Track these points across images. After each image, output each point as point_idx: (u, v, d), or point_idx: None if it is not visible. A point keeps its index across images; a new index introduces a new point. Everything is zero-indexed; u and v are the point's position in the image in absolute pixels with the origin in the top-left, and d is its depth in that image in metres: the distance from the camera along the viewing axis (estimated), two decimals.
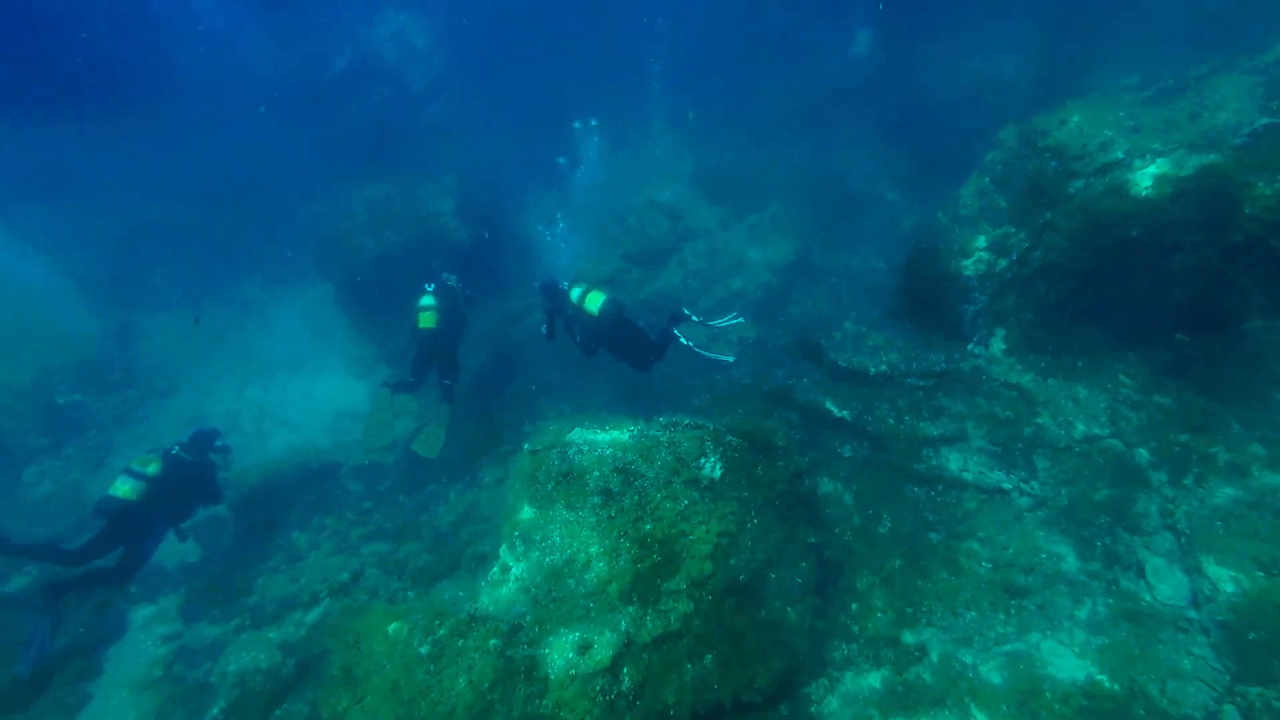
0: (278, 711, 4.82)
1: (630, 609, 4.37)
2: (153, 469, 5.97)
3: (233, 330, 10.22)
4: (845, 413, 6.74)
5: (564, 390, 8.83)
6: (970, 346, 6.47)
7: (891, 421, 6.48)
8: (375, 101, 16.68)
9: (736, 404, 7.74)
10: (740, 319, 7.14)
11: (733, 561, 4.79)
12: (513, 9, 18.82)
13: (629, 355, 7.10)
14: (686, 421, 5.44)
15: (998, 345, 6.30)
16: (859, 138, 11.06)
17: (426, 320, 7.54)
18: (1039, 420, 5.79)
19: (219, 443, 6.80)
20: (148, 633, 5.85)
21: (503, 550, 5.00)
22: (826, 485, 6.68)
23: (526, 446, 5.78)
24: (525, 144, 14.70)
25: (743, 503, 5.10)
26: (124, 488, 5.80)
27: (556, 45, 17.67)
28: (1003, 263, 6.11)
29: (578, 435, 5.48)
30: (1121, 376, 5.51)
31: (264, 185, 13.59)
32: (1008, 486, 5.66)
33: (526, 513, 5.05)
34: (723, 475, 5.15)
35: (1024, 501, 5.53)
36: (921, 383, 6.45)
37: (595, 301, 6.83)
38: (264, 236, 12.36)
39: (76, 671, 5.35)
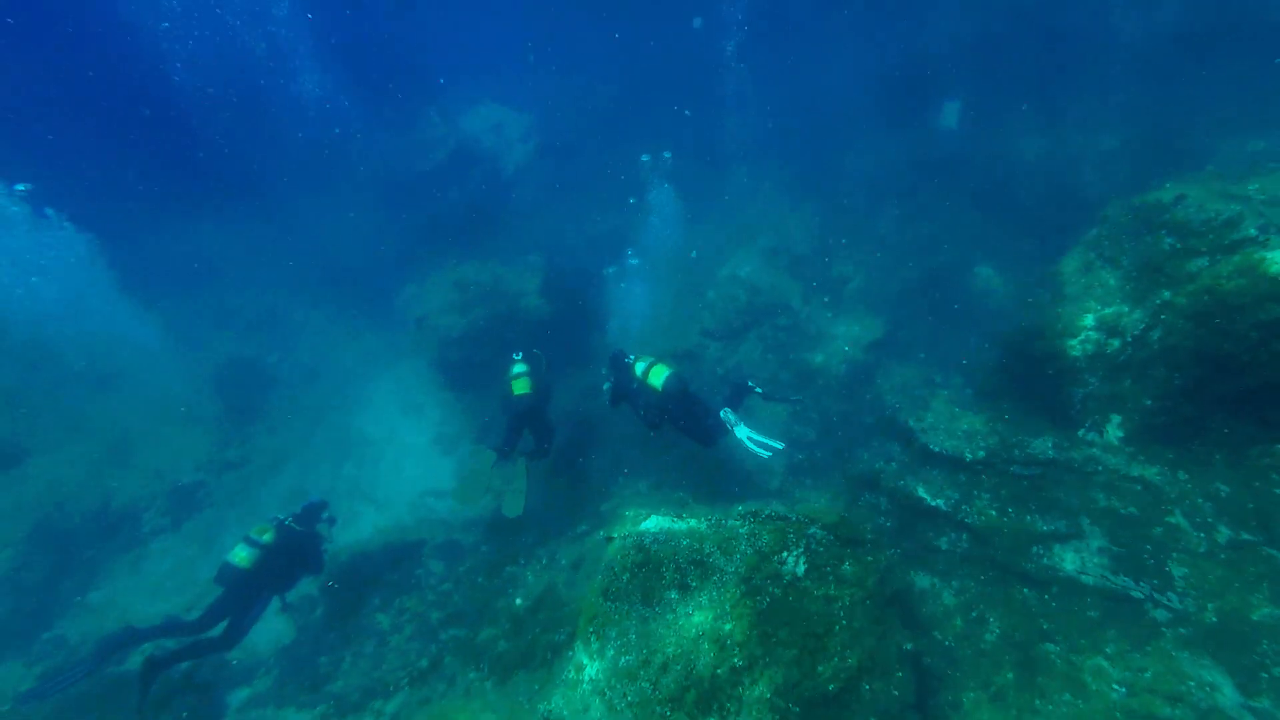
0: None
1: (711, 719, 4.11)
2: (267, 538, 6.31)
3: (333, 408, 10.91)
4: (940, 501, 6.27)
5: (641, 466, 8.76)
6: (1081, 433, 5.92)
7: (994, 513, 5.96)
8: (471, 186, 18.16)
9: (819, 488, 7.41)
10: (801, 399, 6.87)
11: (820, 669, 4.44)
12: (593, 97, 20.27)
13: (693, 431, 6.97)
14: (767, 511, 5.22)
15: (1114, 433, 5.73)
16: (947, 210, 10.78)
17: (520, 387, 7.76)
18: (1171, 520, 5.15)
19: (326, 514, 7.12)
20: (242, 717, 6.04)
21: (578, 646, 4.88)
22: (923, 581, 6.18)
23: (602, 534, 5.73)
24: (604, 222, 15.38)
25: (829, 602, 4.77)
26: (241, 555, 6.14)
27: (635, 117, 18.75)
28: (1115, 343, 5.63)
29: (654, 524, 5.38)
30: (1273, 474, 4.84)
31: (367, 269, 14.86)
32: (1138, 595, 5.00)
33: (602, 606, 4.93)
34: (807, 571, 4.86)
35: (1160, 615, 4.85)
36: (1026, 471, 5.92)
37: (659, 376, 6.82)
38: (365, 318, 13.34)
39: None
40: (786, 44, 19.11)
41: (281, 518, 6.65)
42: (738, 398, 6.88)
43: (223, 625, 6.11)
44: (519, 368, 7.96)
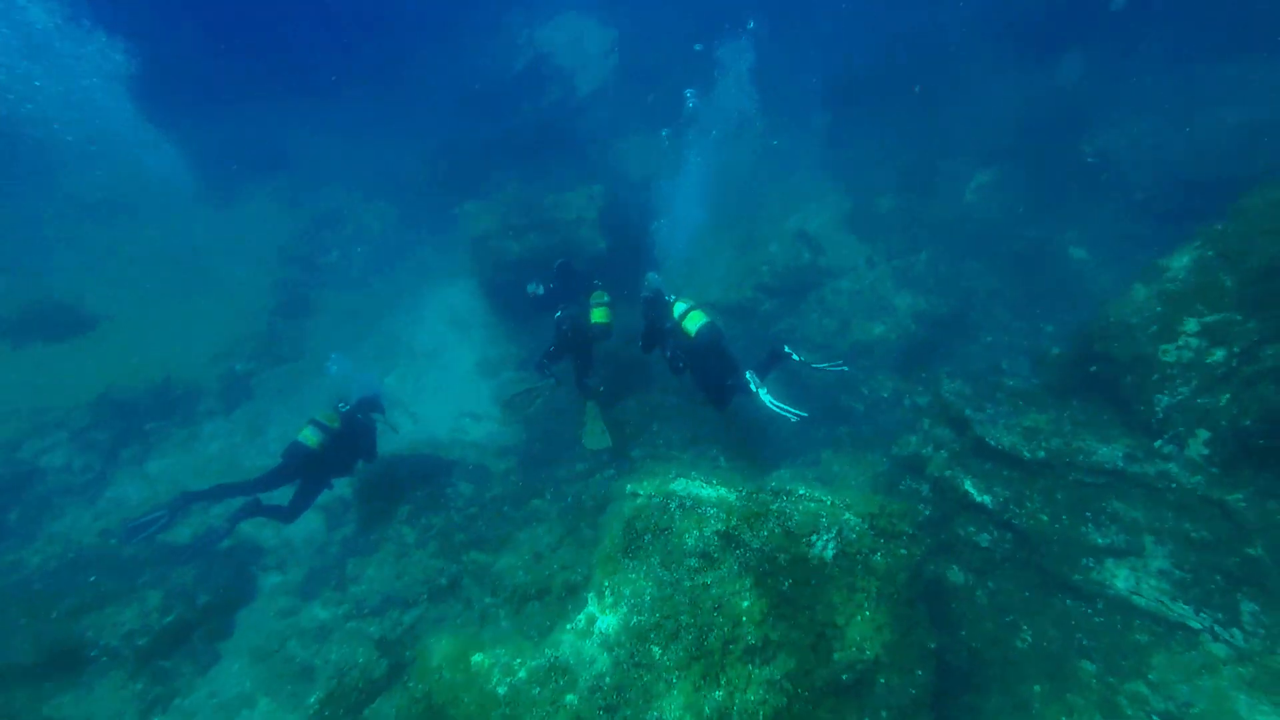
0: (366, 712, 5.03)
1: (716, 693, 4.04)
2: (335, 423, 6.80)
3: (386, 315, 11.04)
4: (987, 498, 5.91)
5: (677, 416, 8.59)
6: (1158, 444, 5.40)
7: (1045, 518, 5.58)
8: (544, 103, 17.46)
9: (859, 464, 7.10)
10: (846, 368, 6.48)
11: (836, 658, 4.31)
12: (682, 23, 18.91)
13: (709, 387, 6.70)
14: (801, 491, 4.98)
15: (1197, 449, 5.19)
16: (1047, 181, 9.71)
17: (600, 315, 7.69)
18: (1250, 552, 4.69)
19: (381, 405, 7.59)
20: (271, 602, 6.40)
21: (591, 598, 4.86)
22: (956, 575, 5.92)
23: (629, 488, 5.61)
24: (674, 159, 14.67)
25: (854, 591, 4.58)
26: (312, 437, 6.60)
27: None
28: (1219, 353, 5.02)
29: (681, 486, 5.22)
30: None
31: (432, 179, 14.68)
32: (1197, 626, 4.64)
33: (621, 561, 4.86)
34: (834, 558, 4.65)
35: (1219, 650, 4.49)
36: (1090, 479, 5.48)
37: (695, 322, 6.58)
38: (425, 228, 13.28)
39: (211, 630, 5.99)
40: None
41: (343, 407, 7.10)
42: (770, 364, 6.54)
43: (286, 495, 6.62)
44: (606, 296, 7.86)
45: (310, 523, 7.41)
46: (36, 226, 12.16)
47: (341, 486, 7.48)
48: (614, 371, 9.24)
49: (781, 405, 6.25)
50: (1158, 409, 5.43)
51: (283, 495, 6.64)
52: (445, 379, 10.10)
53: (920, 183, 10.95)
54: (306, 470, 6.65)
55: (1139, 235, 7.92)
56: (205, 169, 13.43)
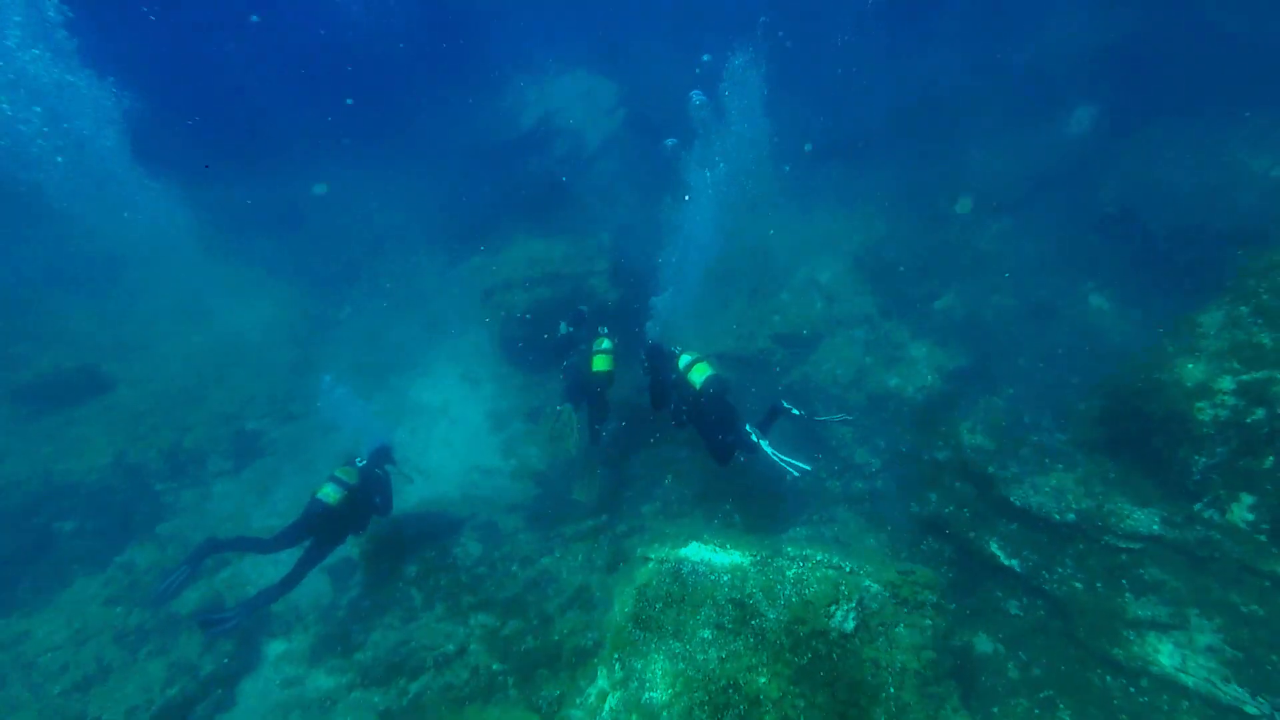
0: None
1: None
2: (354, 479, 6.65)
3: (396, 370, 11.06)
4: (1015, 561, 5.64)
5: (689, 470, 8.41)
6: (1198, 508, 5.13)
7: (1079, 585, 5.29)
8: (552, 157, 17.91)
9: (878, 524, 6.84)
10: (851, 418, 6.28)
11: None
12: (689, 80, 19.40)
13: (714, 440, 6.51)
14: (819, 557, 4.77)
15: (1241, 514, 4.92)
16: (1064, 228, 9.61)
17: (601, 364, 7.60)
18: None
19: (395, 456, 7.51)
20: (276, 671, 6.21)
21: (601, 671, 4.64)
22: (984, 644, 5.59)
23: (640, 552, 5.43)
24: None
25: (878, 667, 4.31)
26: (331, 494, 6.47)
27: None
28: (1259, 413, 4.80)
29: (693, 551, 5.04)
30: None
31: (443, 234, 14.97)
32: (1253, 711, 4.29)
33: (631, 634, 4.65)
34: (856, 629, 4.41)
35: None
36: (1124, 544, 5.20)
37: (701, 374, 6.45)
38: (435, 283, 13.44)
39: (216, 701, 5.81)
40: (903, 26, 17.70)
41: (360, 462, 6.99)
42: (771, 420, 6.39)
43: (290, 563, 6.43)
44: (606, 343, 7.80)
45: (317, 584, 7.26)
46: (46, 284, 12.47)
47: (348, 546, 7.35)
48: (628, 423, 9.12)
49: (783, 457, 6.06)
50: (1194, 470, 5.18)
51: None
52: (455, 433, 10.03)
53: (932, 233, 10.92)
54: (324, 528, 6.53)
55: (1162, 286, 7.75)
56: (213, 224, 13.79)
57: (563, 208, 15.42)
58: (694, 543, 5.16)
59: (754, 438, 6.15)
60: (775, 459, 5.96)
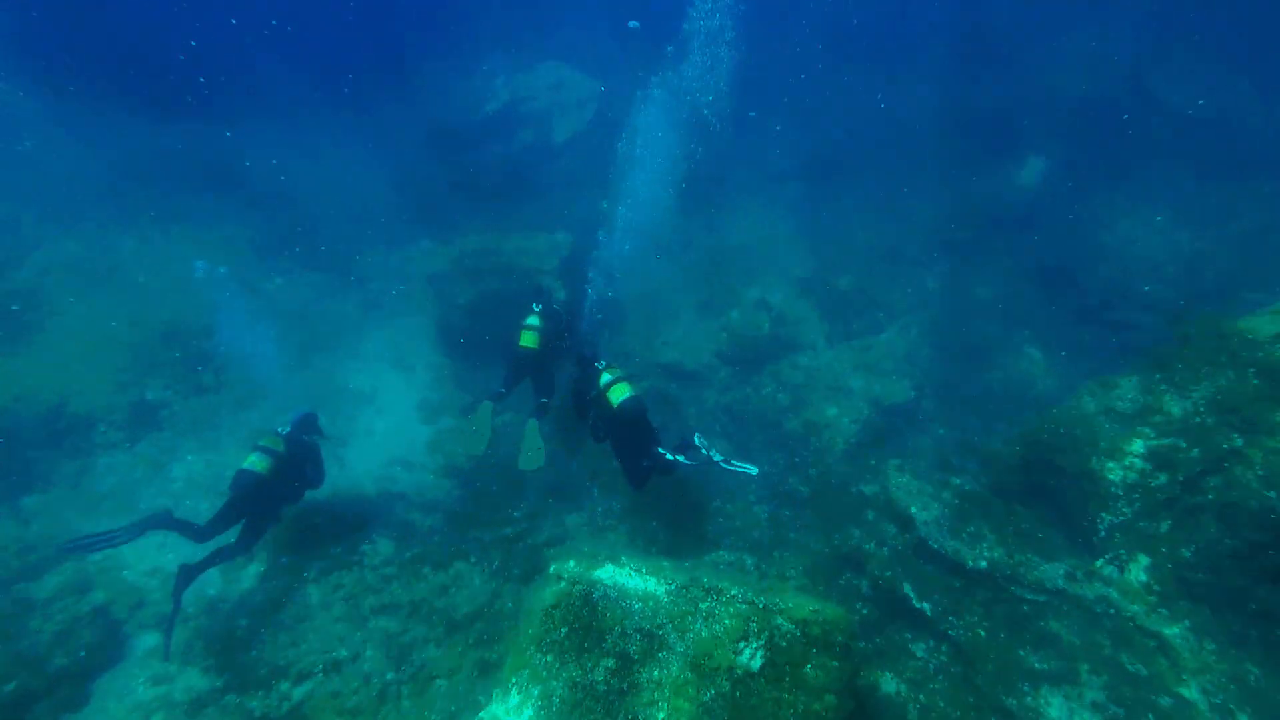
0: None
1: None
2: (280, 446, 6.43)
3: (322, 350, 10.47)
4: (926, 605, 5.69)
5: (618, 485, 8.23)
6: (1099, 564, 5.29)
7: (983, 633, 5.38)
8: (516, 147, 17.45)
9: (799, 552, 6.83)
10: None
11: None
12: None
13: (630, 460, 6.50)
14: (734, 591, 4.66)
15: (1137, 574, 5.10)
16: (1006, 276, 9.93)
17: (528, 340, 7.67)
18: (1184, 692, 4.53)
19: (321, 423, 7.29)
20: (143, 668, 5.67)
21: (496, 695, 4.40)
22: (889, 685, 5.63)
23: (553, 569, 5.21)
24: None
25: (779, 706, 4.24)
26: (258, 462, 6.20)
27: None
28: (1162, 478, 4.98)
29: (608, 574, 4.85)
30: None
31: (388, 212, 14.32)
32: None
33: (532, 657, 4.44)
34: (762, 668, 4.32)
35: None
36: (1029, 595, 5.32)
37: (619, 394, 6.45)
38: (377, 263, 12.84)
39: (64, 699, 5.23)
40: (867, 60, 18.08)
41: (281, 430, 6.71)
42: (680, 451, 6.43)
43: (235, 531, 6.16)
44: (532, 319, 7.82)
45: (206, 575, 6.73)
46: None
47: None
48: (559, 426, 8.88)
49: (734, 464, 6.23)
50: (1100, 527, 5.35)
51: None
52: (380, 423, 9.55)
53: (883, 265, 11.13)
54: (256, 503, 6.22)
55: (1090, 342, 8.08)
56: (143, 179, 12.73)
57: (521, 199, 15.05)
58: (609, 564, 4.98)
59: (705, 450, 6.29)
60: (726, 468, 6.20)
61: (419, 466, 8.64)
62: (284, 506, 6.73)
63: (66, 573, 6.39)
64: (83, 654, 5.64)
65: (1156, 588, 5.00)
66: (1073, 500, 5.64)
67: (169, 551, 6.85)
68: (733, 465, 6.29)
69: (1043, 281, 9.46)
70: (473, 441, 7.44)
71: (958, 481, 6.67)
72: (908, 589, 5.79)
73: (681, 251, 13.02)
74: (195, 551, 6.15)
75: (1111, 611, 5.07)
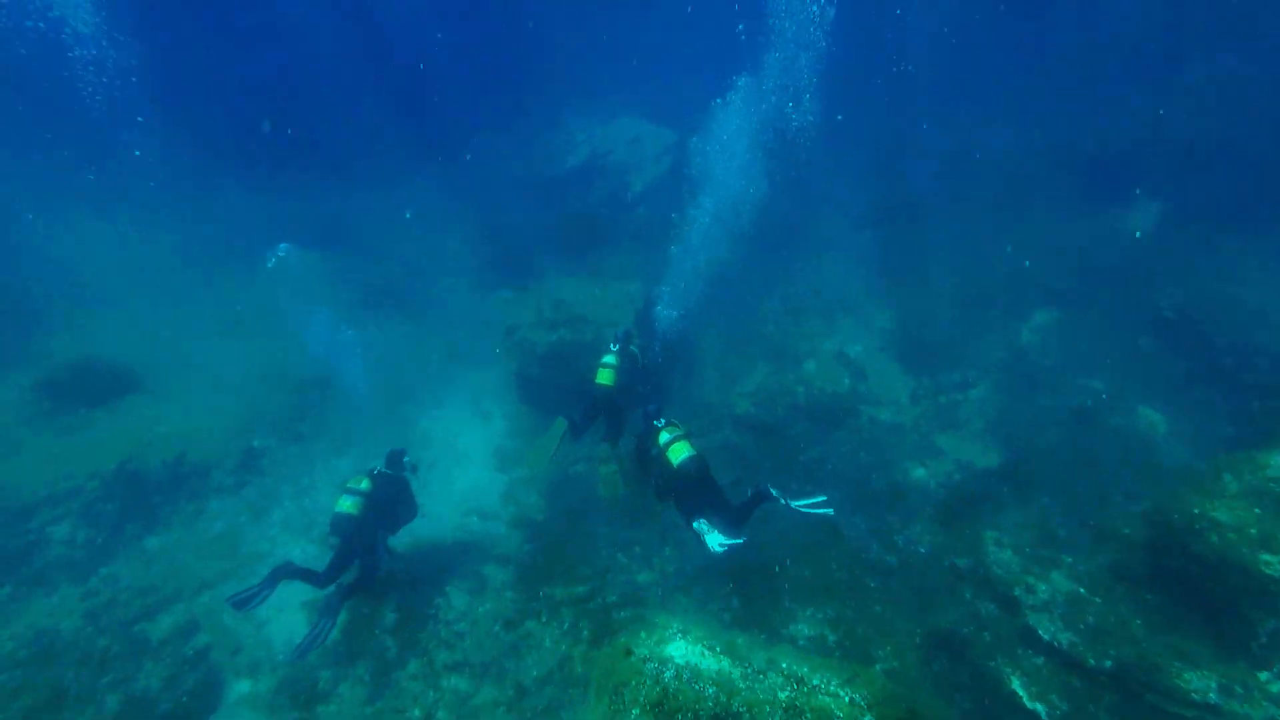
0: None
1: None
2: (365, 485, 6.76)
3: (407, 399, 10.92)
4: (1040, 706, 5.05)
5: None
6: (1264, 677, 4.53)
7: None
8: (594, 199, 18.04)
9: (889, 633, 6.29)
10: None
11: None
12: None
13: (713, 515, 6.19)
14: (816, 681, 4.31)
15: None
16: (1114, 330, 9.05)
17: (604, 377, 7.75)
18: None
19: (407, 459, 7.56)
20: (233, 716, 5.89)
21: None
22: None
23: (623, 641, 5.02)
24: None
25: None
26: (347, 504, 6.57)
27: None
28: None
29: (680, 652, 4.62)
30: None
31: (477, 261, 15.01)
32: None
33: None
34: None
35: None
36: (1173, 708, 4.61)
37: (679, 454, 6.24)
38: (460, 310, 13.40)
39: None
40: (966, 95, 17.52)
41: (372, 467, 7.10)
42: (753, 505, 6.13)
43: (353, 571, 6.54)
44: (609, 358, 7.91)
45: (294, 621, 7.00)
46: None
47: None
48: (627, 478, 8.76)
49: (810, 509, 5.94)
50: (1261, 631, 4.60)
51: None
52: (458, 471, 9.78)
53: (974, 315, 10.45)
54: (359, 539, 6.55)
55: (1221, 406, 7.18)
56: (249, 236, 14.02)
57: (599, 249, 15.39)
58: (681, 640, 4.75)
59: (781, 501, 6.01)
60: (805, 512, 5.93)
61: (493, 516, 8.74)
62: (386, 537, 6.98)
63: (177, 613, 6.80)
64: (184, 699, 5.93)
65: None
66: (1218, 595, 4.91)
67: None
68: (808, 509, 5.98)
69: (1162, 336, 8.53)
70: (537, 457, 7.52)
71: (1069, 560, 6.00)
72: (1016, 684, 5.17)
73: (756, 300, 12.83)
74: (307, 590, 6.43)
75: None
